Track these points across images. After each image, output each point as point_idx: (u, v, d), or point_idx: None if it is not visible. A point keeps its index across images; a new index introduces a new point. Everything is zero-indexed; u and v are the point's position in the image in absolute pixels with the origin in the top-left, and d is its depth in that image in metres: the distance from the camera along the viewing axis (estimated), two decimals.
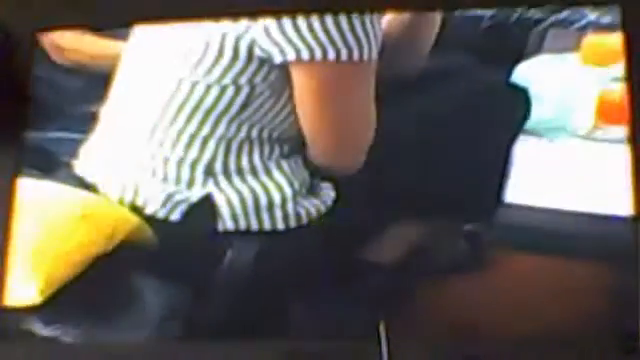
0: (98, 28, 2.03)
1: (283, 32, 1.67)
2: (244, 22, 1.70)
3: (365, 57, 1.69)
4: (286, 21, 1.67)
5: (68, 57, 2.02)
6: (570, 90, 1.92)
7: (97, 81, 1.92)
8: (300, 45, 1.68)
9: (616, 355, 1.64)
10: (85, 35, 2.01)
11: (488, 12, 1.95)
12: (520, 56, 1.94)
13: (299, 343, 1.72)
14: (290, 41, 1.68)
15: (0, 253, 1.84)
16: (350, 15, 1.67)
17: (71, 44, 2.01)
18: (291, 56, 1.69)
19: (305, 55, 1.68)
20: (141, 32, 1.83)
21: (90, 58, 2.02)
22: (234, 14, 1.90)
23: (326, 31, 1.68)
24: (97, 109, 1.90)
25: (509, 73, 1.93)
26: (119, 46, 1.91)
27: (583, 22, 1.91)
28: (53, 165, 1.94)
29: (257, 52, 1.70)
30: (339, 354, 1.72)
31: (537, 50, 1.96)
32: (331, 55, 1.68)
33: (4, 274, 1.79)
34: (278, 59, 1.69)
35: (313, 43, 1.68)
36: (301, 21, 1.67)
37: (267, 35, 1.68)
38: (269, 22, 1.68)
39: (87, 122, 1.91)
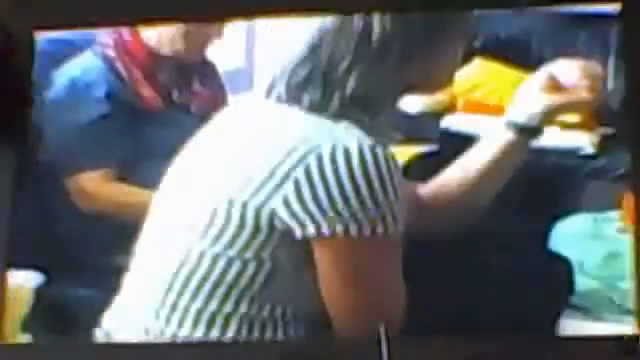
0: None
1: (302, 203, 1.58)
2: (264, 190, 1.61)
3: (390, 231, 1.60)
4: (305, 190, 1.58)
5: (94, 203, 1.97)
6: (615, 258, 1.76)
7: (121, 231, 1.85)
8: (320, 219, 1.59)
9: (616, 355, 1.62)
10: (112, 182, 1.97)
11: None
12: (557, 210, 1.82)
13: (299, 343, 1.70)
14: (310, 214, 1.59)
15: (1, 252, 1.83)
16: (372, 186, 1.58)
17: (96, 189, 1.96)
18: (312, 231, 1.59)
19: (326, 230, 1.59)
20: (170, 182, 1.76)
21: (116, 206, 1.96)
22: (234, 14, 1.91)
23: (347, 203, 1.58)
24: (121, 262, 1.82)
25: (546, 233, 1.81)
26: (146, 194, 1.84)
27: (619, 172, 1.82)
28: (73, 327, 1.88)
29: (278, 225, 1.61)
30: (339, 354, 1.72)
31: (575, 205, 1.83)
32: (353, 230, 1.59)
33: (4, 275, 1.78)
34: (299, 233, 1.61)
35: (334, 217, 1.59)
36: (321, 191, 1.58)
37: (286, 207, 1.59)
38: (289, 191, 1.59)
39: (110, 277, 1.83)
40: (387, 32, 1.65)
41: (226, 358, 1.69)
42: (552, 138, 1.92)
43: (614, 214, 1.76)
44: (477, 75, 1.98)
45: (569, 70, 1.75)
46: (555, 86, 1.74)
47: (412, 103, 1.94)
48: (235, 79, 2.08)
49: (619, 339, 1.65)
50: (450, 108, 1.98)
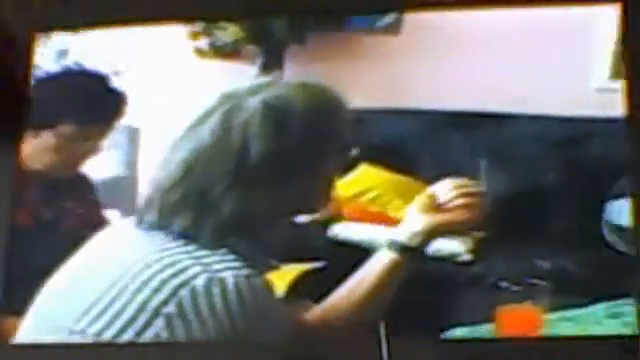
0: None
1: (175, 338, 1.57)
2: (134, 326, 1.57)
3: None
4: (178, 325, 1.54)
5: None
6: None
7: None
8: None
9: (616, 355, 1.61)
10: None
11: None
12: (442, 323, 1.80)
13: (299, 343, 1.68)
14: None
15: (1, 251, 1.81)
16: (248, 317, 1.56)
17: None
18: None
19: None
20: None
21: None
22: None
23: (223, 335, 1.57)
24: None
25: None
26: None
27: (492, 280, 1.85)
28: None
29: None
30: (339, 354, 1.69)
31: (455, 318, 1.82)
32: None
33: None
34: None
35: None
36: (196, 325, 1.55)
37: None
38: (160, 327, 1.55)
39: None
40: (264, 151, 1.62)
41: (226, 358, 1.68)
42: (433, 245, 1.92)
43: (489, 327, 1.74)
44: (361, 181, 1.97)
45: (448, 189, 1.78)
46: (434, 206, 1.76)
47: None
48: (115, 189, 2.03)
49: (619, 339, 1.65)
50: (336, 217, 1.95)
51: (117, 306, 1.58)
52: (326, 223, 1.95)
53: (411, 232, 1.74)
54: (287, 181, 1.64)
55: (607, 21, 1.94)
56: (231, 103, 1.64)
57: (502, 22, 2.00)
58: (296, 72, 2.04)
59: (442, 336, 1.76)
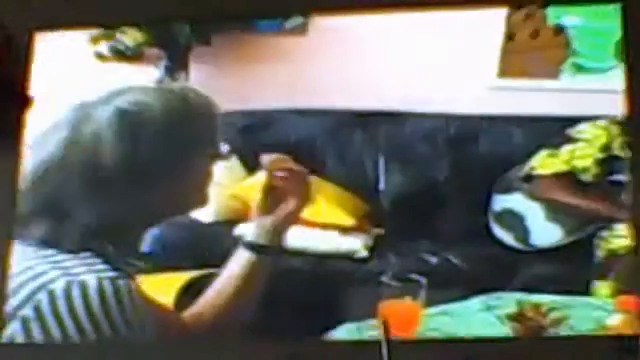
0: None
1: (31, 340, 1.61)
2: None
3: None
4: (35, 328, 1.57)
5: None
6: None
7: None
8: None
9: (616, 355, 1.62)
10: None
11: None
12: (331, 319, 1.83)
13: (299, 343, 1.72)
14: None
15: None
16: (112, 319, 1.57)
17: None
18: None
19: None
20: None
21: None
22: None
23: (84, 337, 1.58)
24: None
25: None
26: None
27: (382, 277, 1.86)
28: None
29: None
30: (339, 354, 1.72)
31: (344, 313, 1.86)
32: None
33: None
34: None
35: None
36: (54, 327, 1.57)
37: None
38: (15, 329, 1.59)
39: None
40: (118, 157, 1.65)
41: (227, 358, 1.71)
42: (333, 242, 1.98)
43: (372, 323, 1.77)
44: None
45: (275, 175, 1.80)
46: (268, 205, 1.78)
47: (204, 213, 1.95)
48: None
49: (619, 339, 1.66)
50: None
51: None
52: (231, 224, 2.00)
53: (257, 232, 1.76)
54: (151, 184, 1.66)
55: (495, 22, 2.00)
56: (81, 113, 1.67)
57: (403, 25, 2.06)
58: (202, 74, 2.09)
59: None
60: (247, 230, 1.81)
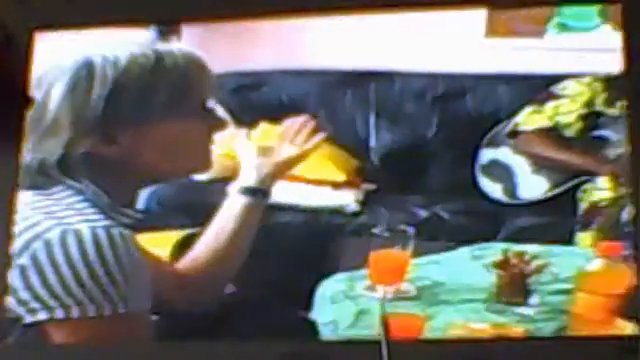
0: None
1: (31, 290, 1.58)
2: None
3: (132, 308, 1.60)
4: (34, 277, 1.58)
5: None
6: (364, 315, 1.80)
7: None
8: (53, 304, 1.58)
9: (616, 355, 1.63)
10: None
11: None
12: (322, 270, 1.86)
13: (299, 343, 1.73)
14: (41, 300, 1.58)
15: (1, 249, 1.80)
16: (109, 268, 1.56)
17: None
18: (43, 316, 1.59)
19: (60, 314, 1.59)
20: None
21: None
22: None
23: (83, 286, 1.57)
24: None
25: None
26: None
27: (374, 230, 1.87)
28: None
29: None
30: (339, 354, 1.72)
31: (336, 264, 1.88)
32: (91, 312, 1.58)
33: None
34: (29, 319, 1.60)
35: (69, 301, 1.57)
36: (52, 276, 1.57)
37: (13, 294, 1.60)
38: (14, 278, 1.59)
39: None
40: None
41: (227, 357, 1.72)
42: (325, 197, 2.04)
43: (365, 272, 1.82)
44: (262, 139, 2.02)
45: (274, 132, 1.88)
46: (267, 148, 1.84)
47: None
48: None
49: (619, 339, 1.66)
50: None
51: None
52: (226, 181, 2.04)
53: (256, 177, 1.81)
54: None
55: None
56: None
57: None
58: (195, 34, 2.12)
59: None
60: (242, 177, 1.84)
